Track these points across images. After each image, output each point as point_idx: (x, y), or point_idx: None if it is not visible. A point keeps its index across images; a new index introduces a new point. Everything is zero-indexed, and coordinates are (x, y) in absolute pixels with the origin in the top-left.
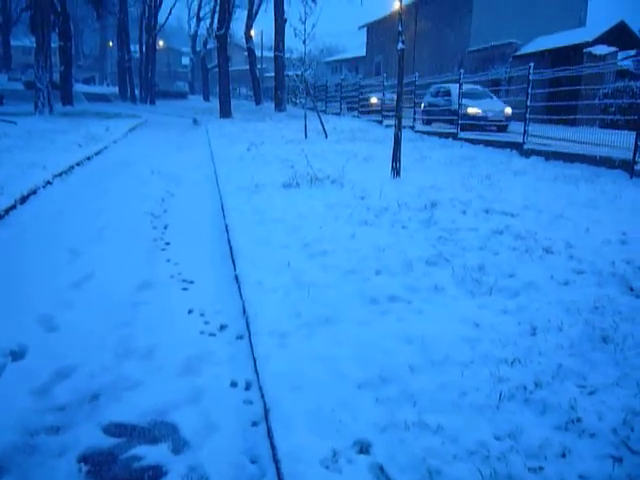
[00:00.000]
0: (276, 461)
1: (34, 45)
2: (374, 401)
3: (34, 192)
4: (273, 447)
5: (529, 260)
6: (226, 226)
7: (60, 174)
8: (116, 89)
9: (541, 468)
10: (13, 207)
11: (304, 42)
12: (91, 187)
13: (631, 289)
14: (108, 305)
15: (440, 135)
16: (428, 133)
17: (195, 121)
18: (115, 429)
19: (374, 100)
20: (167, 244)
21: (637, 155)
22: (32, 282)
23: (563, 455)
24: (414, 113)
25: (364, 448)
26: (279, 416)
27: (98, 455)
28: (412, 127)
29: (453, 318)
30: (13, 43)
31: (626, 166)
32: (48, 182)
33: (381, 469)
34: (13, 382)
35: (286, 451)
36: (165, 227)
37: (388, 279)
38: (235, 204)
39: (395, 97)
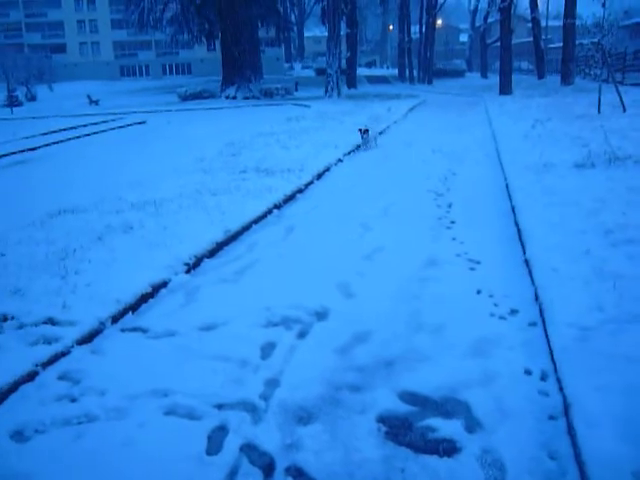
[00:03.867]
0: (580, 463)
1: (324, 34)
2: None
3: (328, 169)
4: (576, 447)
5: None
6: (512, 207)
7: (348, 153)
8: (395, 71)
9: None
10: (311, 182)
11: (603, 5)
12: (376, 166)
13: None
14: (398, 278)
15: None
16: None
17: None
18: (409, 397)
19: None
20: (452, 223)
21: None
22: (331, 251)
23: None
24: None
25: None
26: (581, 414)
27: (395, 419)
28: None
29: None
30: (305, 34)
31: None
32: (339, 160)
33: None
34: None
35: (591, 454)
36: (449, 206)
37: None
38: (521, 184)
39: None
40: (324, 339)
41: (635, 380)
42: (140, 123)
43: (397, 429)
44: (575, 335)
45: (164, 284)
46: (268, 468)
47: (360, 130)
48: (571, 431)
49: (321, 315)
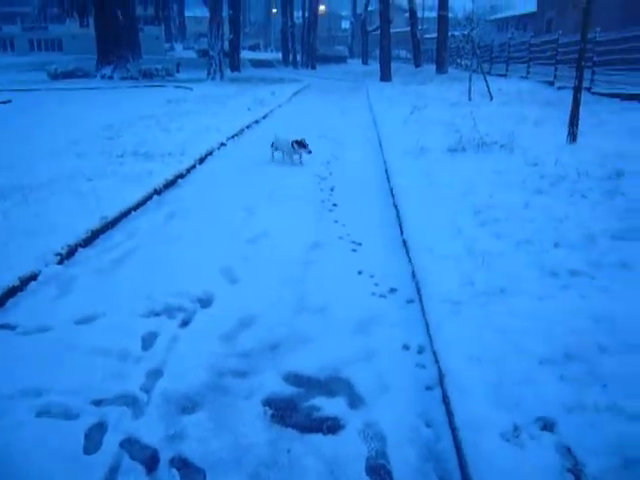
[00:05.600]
0: (453, 428)
1: (206, 15)
2: (558, 379)
3: (210, 153)
4: (449, 414)
5: None
6: (391, 190)
7: (232, 136)
8: (279, 55)
9: None
10: (193, 167)
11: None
12: (260, 151)
13: None
14: (282, 261)
15: (624, 97)
16: (609, 95)
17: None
18: (294, 379)
19: None
20: (334, 205)
21: None
22: (214, 237)
23: None
24: (592, 74)
25: (548, 426)
26: (455, 383)
27: (280, 402)
28: (588, 89)
29: None
30: (186, 14)
31: None
32: (222, 143)
33: (568, 450)
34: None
35: (463, 419)
36: (331, 189)
37: (568, 252)
38: (400, 167)
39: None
40: (208, 326)
41: (503, 348)
42: (4, 102)
43: (283, 411)
44: (448, 309)
45: (34, 276)
46: (151, 461)
47: (294, 143)
48: (445, 400)
49: (205, 302)
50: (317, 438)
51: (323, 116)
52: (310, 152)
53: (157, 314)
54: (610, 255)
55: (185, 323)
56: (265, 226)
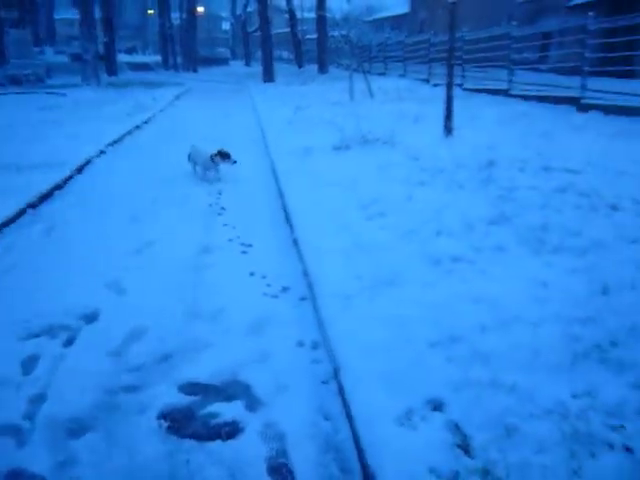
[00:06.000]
0: (349, 418)
1: (77, 17)
2: (446, 360)
3: (89, 162)
4: (346, 405)
5: (595, 218)
6: (279, 190)
7: (112, 143)
8: (158, 57)
9: (622, 426)
10: (70, 177)
11: (348, 0)
12: (140, 156)
13: None
14: (171, 268)
15: (490, 92)
16: (478, 90)
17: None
18: (190, 388)
19: None
20: (223, 209)
21: None
22: (98, 249)
23: None
24: (463, 70)
25: (438, 406)
26: (350, 375)
27: (177, 412)
28: (460, 85)
29: (520, 278)
30: (56, 16)
31: None
32: (101, 151)
33: (457, 426)
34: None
35: (359, 409)
36: (219, 193)
37: (449, 240)
38: (287, 168)
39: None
40: (95, 342)
41: (393, 337)
42: None
43: (179, 422)
44: (340, 304)
45: None
46: None
47: (213, 156)
48: (341, 392)
49: (90, 317)
50: (216, 445)
51: (206, 119)
52: (235, 162)
53: (37, 335)
54: (487, 240)
55: (69, 342)
56: (152, 234)
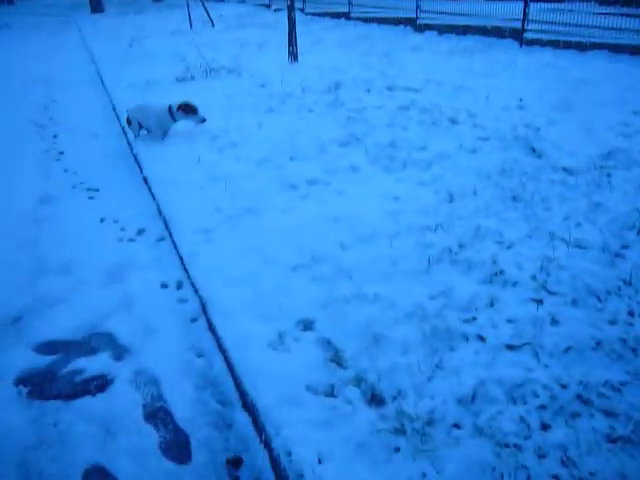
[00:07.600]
0: (223, 351)
1: None
2: (310, 281)
3: None
4: (217, 338)
5: (437, 132)
6: (123, 127)
7: None
8: None
9: (474, 318)
10: None
11: None
12: None
13: (533, 150)
14: (7, 226)
15: (332, 15)
16: (319, 14)
17: None
18: (47, 347)
19: None
20: (61, 154)
21: (525, 24)
22: None
23: (491, 304)
24: None
25: (308, 325)
26: (218, 308)
27: (36, 375)
28: (302, 9)
29: (373, 195)
30: None
31: (516, 35)
32: None
33: (328, 342)
34: None
35: (231, 340)
36: (54, 136)
37: (304, 164)
38: (128, 103)
39: None
40: None
41: (257, 265)
42: None
43: (40, 385)
44: (200, 239)
45: None
46: None
47: (173, 108)
48: (211, 327)
49: None
50: (85, 401)
51: (32, 56)
52: (204, 120)
53: None
54: (340, 161)
55: None
56: None
